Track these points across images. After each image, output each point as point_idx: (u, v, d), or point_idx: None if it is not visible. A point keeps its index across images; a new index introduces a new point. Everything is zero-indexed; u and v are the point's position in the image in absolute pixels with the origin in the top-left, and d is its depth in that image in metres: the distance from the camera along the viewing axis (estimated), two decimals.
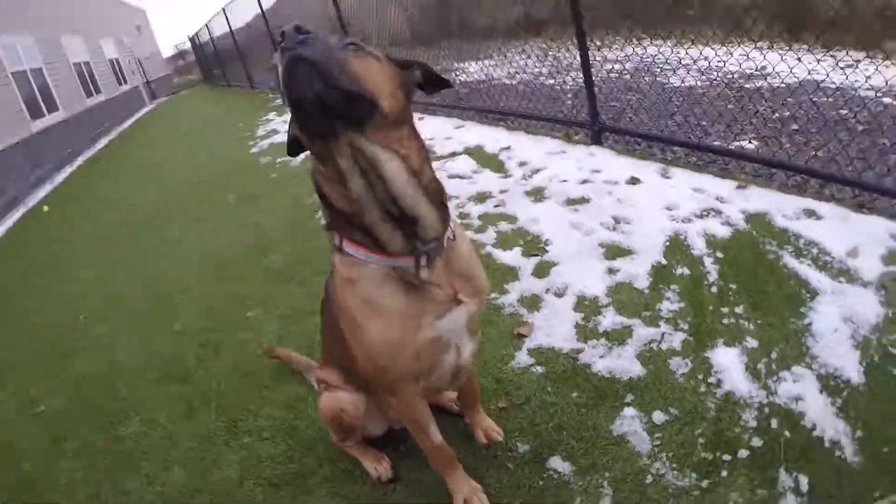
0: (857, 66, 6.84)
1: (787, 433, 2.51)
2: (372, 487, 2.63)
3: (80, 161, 13.23)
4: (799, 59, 5.79)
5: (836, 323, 2.99)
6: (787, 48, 7.52)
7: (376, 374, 2.00)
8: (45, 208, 9.63)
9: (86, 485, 3.09)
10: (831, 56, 7.12)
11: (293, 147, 1.83)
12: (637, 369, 2.94)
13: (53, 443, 3.48)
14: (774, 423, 2.56)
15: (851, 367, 2.75)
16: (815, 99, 5.73)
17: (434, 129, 7.69)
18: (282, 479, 2.79)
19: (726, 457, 2.46)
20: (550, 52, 10.70)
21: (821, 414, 2.57)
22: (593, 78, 5.54)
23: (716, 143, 5.37)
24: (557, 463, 2.55)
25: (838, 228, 3.67)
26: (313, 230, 5.38)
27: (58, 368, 4.31)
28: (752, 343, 2.97)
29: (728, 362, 2.88)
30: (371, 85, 1.56)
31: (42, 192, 11.00)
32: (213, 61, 26.48)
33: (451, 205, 1.92)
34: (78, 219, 8.33)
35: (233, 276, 4.99)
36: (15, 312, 5.68)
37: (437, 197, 1.81)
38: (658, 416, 2.67)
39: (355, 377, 2.34)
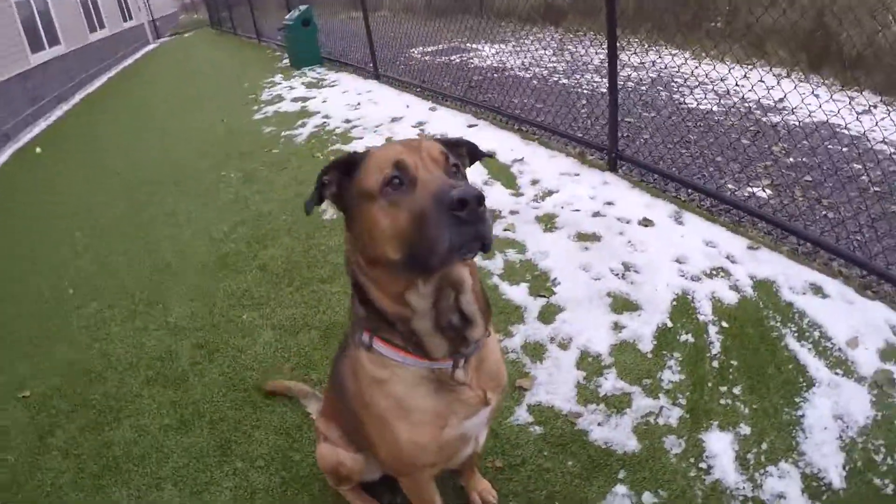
0: (873, 111, 6.89)
1: None
2: None
3: (76, 99, 12.92)
4: (816, 96, 5.83)
5: (827, 420, 3.05)
6: (804, 79, 7.55)
7: (396, 465, 2.04)
8: (38, 150, 9.41)
9: (73, 491, 3.11)
10: (848, 97, 7.18)
11: (310, 205, 1.80)
12: (633, 444, 2.99)
13: (39, 438, 3.49)
14: None
15: (834, 470, 2.81)
16: (830, 146, 5.78)
17: (446, 124, 7.61)
18: None
19: None
20: (568, 47, 10.70)
21: None
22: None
23: (730, 186, 5.40)
24: None
25: (842, 311, 3.72)
26: (313, 224, 5.37)
27: (45, 349, 4.30)
28: (745, 430, 3.03)
29: (720, 448, 2.94)
30: None
31: (37, 130, 10.73)
32: (221, 2, 25.70)
33: None
34: (71, 168, 8.16)
35: (230, 266, 4.96)
36: None
37: (484, 298, 1.85)
38: (648, 498, 2.73)
39: (360, 443, 2.35)
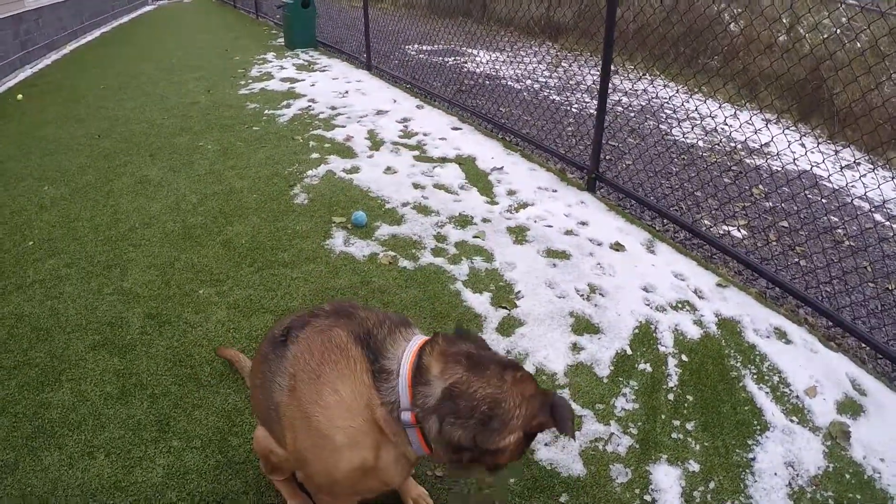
0: (856, 167, 6.92)
1: None
2: None
3: (67, 50, 12.69)
4: (802, 145, 5.83)
5: (778, 465, 3.01)
6: (792, 126, 7.57)
7: (322, 488, 1.98)
8: (20, 97, 9.19)
9: (4, 449, 2.98)
10: (834, 150, 7.20)
11: None
12: (578, 468, 2.91)
13: None
14: None
15: None
16: (809, 195, 5.78)
17: (431, 123, 7.53)
18: (205, 499, 2.72)
19: None
20: (563, 64, 10.68)
21: None
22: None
23: (706, 222, 5.38)
24: None
25: (804, 359, 3.68)
26: (284, 206, 5.29)
27: None
28: (694, 467, 2.97)
29: (667, 483, 2.87)
30: None
31: (22, 76, 10.50)
32: None
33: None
34: (50, 117, 7.94)
35: (194, 239, 4.83)
36: None
37: None
38: None
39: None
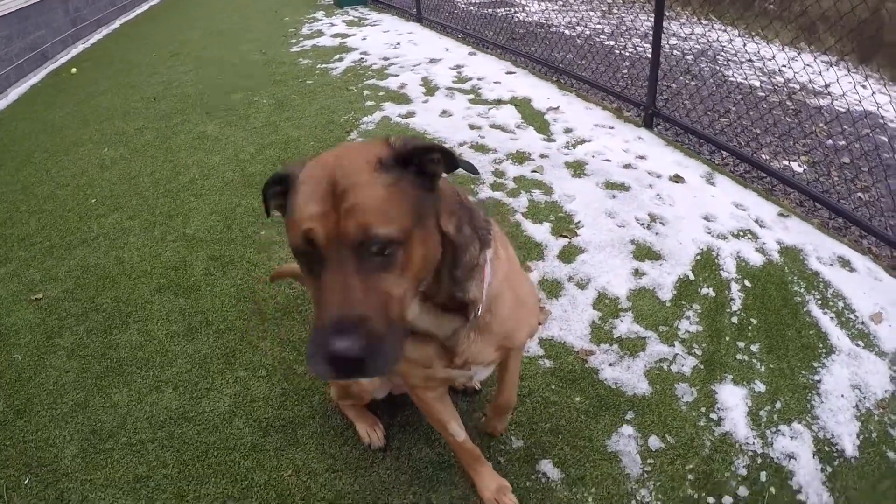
0: None
1: (773, 490, 2.53)
2: (361, 452, 2.66)
3: (117, 24, 12.75)
4: (864, 87, 5.68)
5: (845, 388, 2.98)
6: (854, 69, 7.38)
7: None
8: (74, 70, 9.26)
9: (75, 390, 3.12)
10: None
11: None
12: (644, 387, 2.93)
13: (47, 338, 3.49)
14: (763, 476, 2.57)
15: (848, 438, 2.75)
16: (873, 136, 5.64)
17: (484, 68, 7.46)
18: (272, 425, 2.81)
19: (711, 500, 2.48)
20: (616, 11, 10.52)
21: (809, 478, 2.58)
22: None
23: (766, 158, 5.28)
24: (548, 467, 2.57)
25: (869, 287, 3.63)
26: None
27: (62, 253, 4.28)
28: (759, 387, 2.96)
29: (733, 402, 2.88)
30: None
31: (74, 52, 10.55)
32: None
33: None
34: (104, 90, 8.01)
35: (254, 185, 4.88)
36: (21, 185, 5.41)
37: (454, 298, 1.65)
38: (654, 442, 2.68)
39: None
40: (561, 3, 11.26)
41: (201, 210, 4.61)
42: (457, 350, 1.75)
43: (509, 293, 1.83)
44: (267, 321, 3.42)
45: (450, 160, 1.42)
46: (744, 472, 2.59)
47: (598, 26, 10.10)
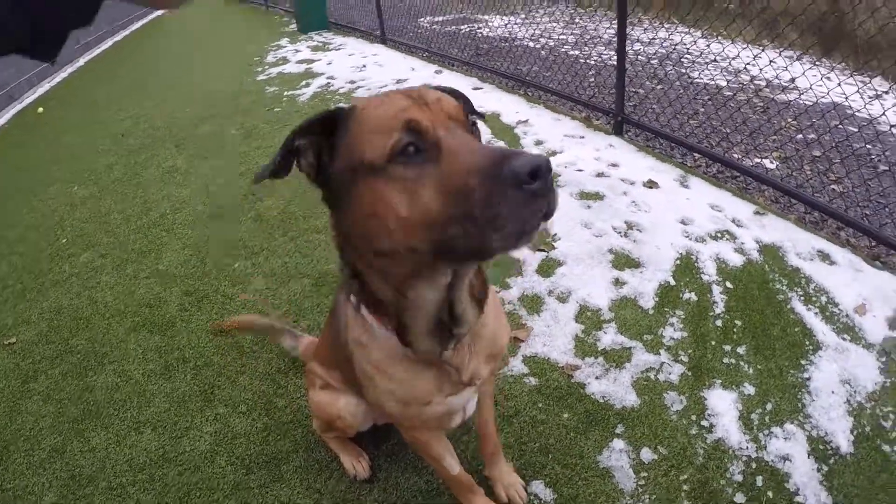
0: (883, 97, 6.77)
1: (770, 494, 2.48)
2: (348, 485, 2.59)
3: (81, 62, 12.75)
4: (827, 79, 5.70)
5: (834, 384, 2.95)
6: (817, 62, 7.42)
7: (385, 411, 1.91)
8: (40, 110, 9.26)
9: (52, 434, 3.04)
10: (861, 82, 7.04)
11: (262, 175, 1.28)
12: (632, 399, 2.89)
13: (22, 382, 3.42)
14: (759, 481, 2.53)
15: (842, 435, 2.72)
16: (840, 127, 5.66)
17: (452, 86, 7.39)
18: (254, 461, 2.74)
19: None
20: (579, 21, 10.56)
21: (806, 479, 2.54)
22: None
23: (738, 157, 5.29)
24: (540, 488, 2.51)
25: (850, 278, 3.61)
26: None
27: (34, 295, 4.20)
28: (749, 390, 2.92)
29: (723, 407, 2.84)
30: None
31: (40, 91, 10.56)
32: None
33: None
34: (72, 128, 7.95)
35: (225, 217, 4.84)
36: None
37: (481, 292, 1.62)
38: (646, 454, 2.63)
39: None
40: (523, 16, 11.30)
41: (173, 245, 4.54)
42: (462, 366, 1.68)
43: (494, 307, 1.83)
44: (245, 355, 3.35)
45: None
46: (739, 478, 2.54)
47: (562, 36, 10.15)
